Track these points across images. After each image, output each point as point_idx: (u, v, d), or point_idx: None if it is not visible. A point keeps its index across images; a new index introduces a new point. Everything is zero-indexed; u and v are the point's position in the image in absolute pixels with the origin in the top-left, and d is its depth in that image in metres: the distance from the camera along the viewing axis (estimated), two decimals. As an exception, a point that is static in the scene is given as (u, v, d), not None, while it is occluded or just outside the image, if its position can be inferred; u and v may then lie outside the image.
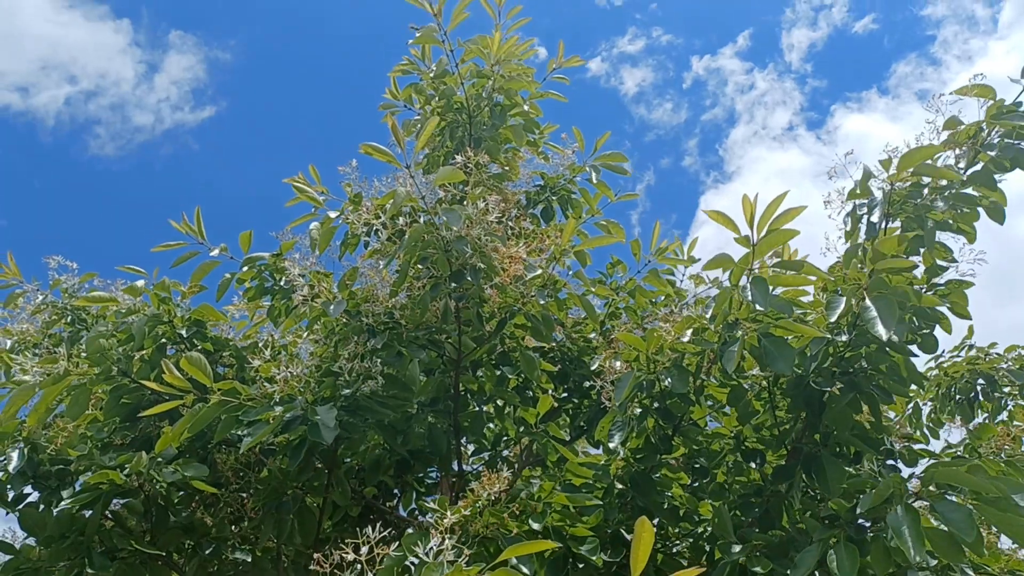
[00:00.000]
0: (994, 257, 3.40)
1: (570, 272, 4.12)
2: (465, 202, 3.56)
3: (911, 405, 5.36)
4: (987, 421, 4.91)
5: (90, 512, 3.44)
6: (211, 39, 20.01)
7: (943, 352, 5.45)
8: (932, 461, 3.32)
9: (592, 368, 4.02)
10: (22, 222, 18.97)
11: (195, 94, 19.95)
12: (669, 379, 3.15)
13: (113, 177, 19.59)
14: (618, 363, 3.51)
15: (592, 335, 4.72)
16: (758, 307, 2.81)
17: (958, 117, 3.30)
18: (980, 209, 3.36)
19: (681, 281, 5.10)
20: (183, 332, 3.92)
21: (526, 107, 4.60)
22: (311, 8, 19.35)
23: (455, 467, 4.32)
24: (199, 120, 19.84)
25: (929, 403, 5.40)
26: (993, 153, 3.23)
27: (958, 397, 5.28)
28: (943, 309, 3.43)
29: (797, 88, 21.53)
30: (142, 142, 20.04)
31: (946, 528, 2.29)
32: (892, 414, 4.07)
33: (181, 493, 3.87)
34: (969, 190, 3.33)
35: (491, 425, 4.76)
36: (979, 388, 5.16)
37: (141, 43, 19.99)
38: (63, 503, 3.35)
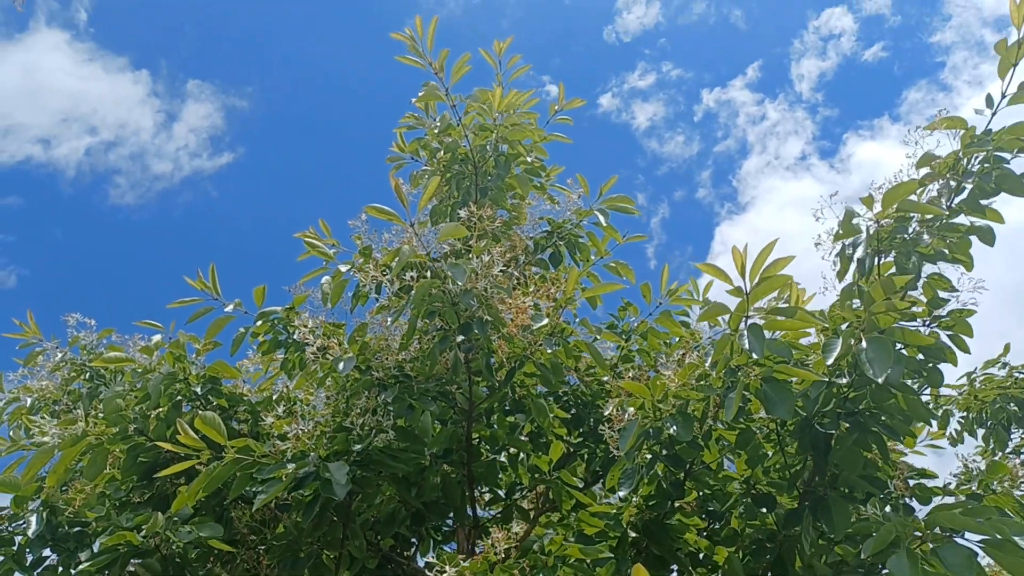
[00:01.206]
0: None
1: (577, 320, 4.16)
2: (470, 255, 3.63)
3: (940, 411, 5.29)
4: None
5: (108, 574, 3.49)
6: (228, 87, 20.46)
7: (975, 369, 5.40)
8: (941, 501, 3.31)
9: (605, 414, 4.04)
10: (45, 272, 19.32)
11: (213, 141, 20.36)
12: (674, 426, 3.17)
13: (133, 225, 19.96)
14: (630, 409, 3.53)
15: (605, 378, 4.74)
16: (754, 355, 2.84)
17: (932, 152, 3.36)
18: (972, 236, 3.39)
19: (695, 322, 5.12)
20: (198, 389, 3.99)
21: (530, 158, 4.68)
22: (326, 56, 19.77)
23: (470, 514, 4.33)
24: (217, 167, 20.22)
25: (957, 413, 5.33)
26: (972, 180, 3.27)
27: (989, 423, 5.23)
28: (946, 341, 3.44)
29: (808, 117, 21.64)
30: (161, 190, 20.43)
31: (946, 573, 2.29)
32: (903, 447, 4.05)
33: (197, 551, 3.91)
34: (960, 218, 3.37)
35: (503, 475, 4.77)
36: (1010, 412, 5.10)
37: (160, 93, 20.47)
38: (82, 565, 3.39)
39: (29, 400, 4.90)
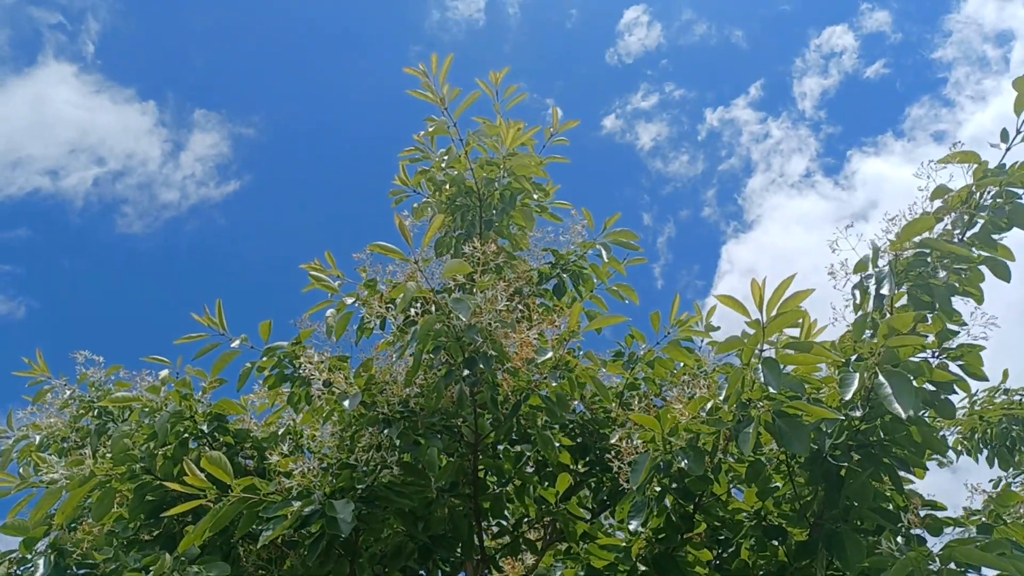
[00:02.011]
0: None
1: (581, 352, 4.14)
2: (475, 289, 3.63)
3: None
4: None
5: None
6: (235, 116, 20.61)
7: (976, 393, 5.38)
8: (955, 533, 3.28)
9: (611, 442, 4.02)
10: (53, 303, 19.40)
11: (219, 169, 20.48)
12: (685, 460, 3.14)
13: (141, 254, 20.05)
14: (636, 441, 3.51)
15: (612, 405, 4.72)
16: (771, 389, 2.82)
17: (946, 185, 3.36)
18: (985, 270, 3.38)
19: (700, 347, 5.10)
20: (204, 427, 3.99)
21: (535, 196, 4.70)
22: (333, 81, 19.93)
23: (478, 547, 4.30)
24: (224, 194, 20.33)
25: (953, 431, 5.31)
26: (985, 214, 3.27)
27: (994, 444, 5.19)
28: (957, 371, 3.42)
29: (812, 135, 21.66)
30: (168, 218, 20.54)
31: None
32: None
33: (205, 590, 3.89)
34: (971, 251, 3.36)
35: (510, 507, 4.74)
36: (1015, 434, 5.08)
37: (167, 123, 20.63)
38: (90, 608, 3.38)
39: (38, 437, 4.91)
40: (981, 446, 5.32)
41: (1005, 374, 5.13)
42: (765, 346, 2.91)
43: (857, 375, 2.93)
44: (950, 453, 5.34)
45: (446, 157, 4.61)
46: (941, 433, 4.89)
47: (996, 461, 5.27)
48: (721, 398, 3.16)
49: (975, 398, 5.30)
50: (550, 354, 3.63)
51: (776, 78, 22.01)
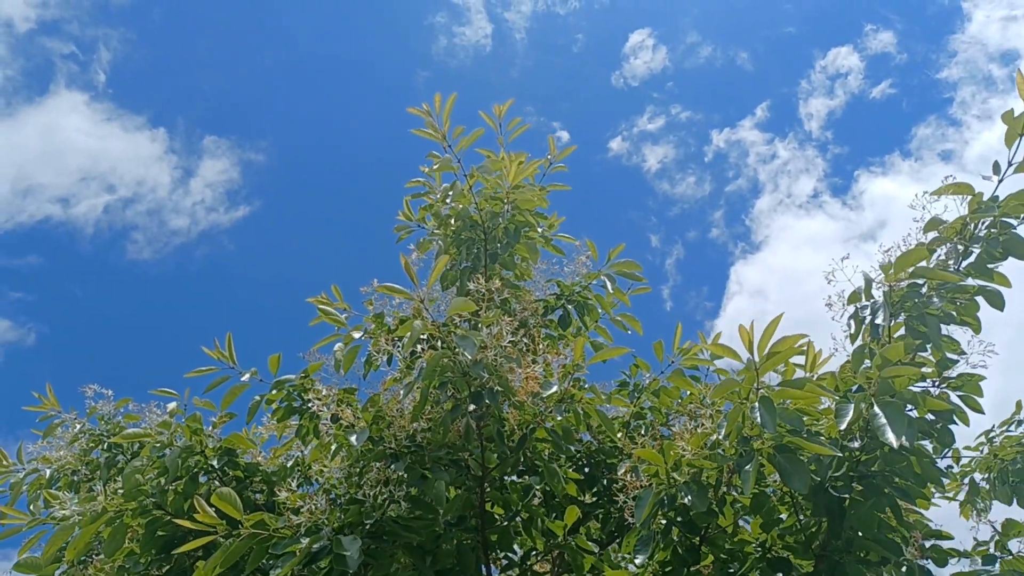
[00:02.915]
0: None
1: (585, 385, 4.18)
2: (480, 324, 3.68)
3: (967, 480, 5.24)
4: None
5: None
6: (244, 142, 20.84)
7: (993, 427, 5.35)
8: (961, 564, 3.29)
9: (618, 475, 4.05)
10: (63, 329, 19.53)
11: (229, 195, 20.67)
12: (689, 496, 3.18)
13: (151, 280, 20.21)
14: (641, 475, 3.54)
15: (619, 434, 4.74)
16: (766, 430, 2.86)
17: (939, 217, 3.41)
18: (980, 299, 3.43)
19: (707, 375, 5.13)
20: (214, 462, 4.03)
21: (540, 229, 4.77)
22: (341, 107, 20.17)
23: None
24: (233, 220, 20.50)
25: (979, 477, 5.26)
26: (980, 245, 3.32)
27: (1012, 480, 5.14)
28: (957, 401, 3.46)
29: (819, 155, 21.75)
30: (178, 244, 20.71)
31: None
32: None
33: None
34: (967, 281, 3.41)
35: (518, 540, 4.76)
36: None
37: (177, 150, 20.87)
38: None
39: (48, 471, 4.95)
40: (998, 484, 5.26)
41: (1019, 406, 5.10)
42: (761, 385, 2.96)
43: (852, 406, 2.98)
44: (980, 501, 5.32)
45: (450, 192, 4.69)
46: (950, 466, 4.92)
47: (1015, 500, 5.18)
48: (722, 434, 3.19)
49: (991, 433, 5.25)
50: (555, 388, 3.67)
51: (782, 99, 22.14)
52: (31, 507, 4.77)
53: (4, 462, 4.96)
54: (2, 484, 4.93)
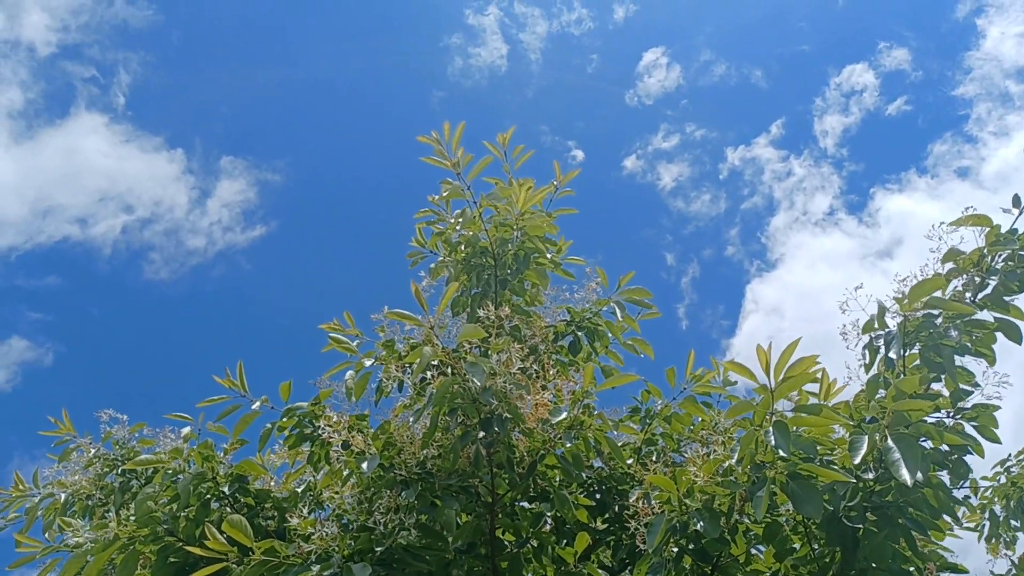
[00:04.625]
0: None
1: (595, 411, 4.17)
2: (489, 351, 3.69)
3: (987, 513, 5.17)
4: None
5: None
6: (261, 162, 21.07)
7: (1009, 455, 5.30)
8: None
9: (630, 501, 4.03)
10: (81, 349, 19.71)
11: (246, 215, 20.88)
12: (701, 523, 3.16)
13: (168, 300, 20.40)
14: (653, 502, 3.52)
15: (629, 460, 4.73)
16: (780, 452, 2.84)
17: (957, 248, 3.41)
18: (997, 332, 3.41)
19: (719, 401, 5.11)
20: (226, 489, 4.05)
21: (549, 255, 4.79)
22: (357, 127, 20.39)
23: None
24: (250, 240, 20.69)
25: (999, 508, 5.19)
26: (997, 277, 3.31)
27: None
28: (972, 432, 3.43)
29: (835, 172, 21.71)
30: (195, 265, 20.91)
31: None
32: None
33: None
34: (983, 313, 3.40)
35: (528, 567, 4.73)
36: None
37: (194, 170, 21.13)
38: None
39: (63, 495, 4.98)
40: (1018, 512, 5.20)
41: (1036, 436, 5.05)
42: (777, 407, 2.95)
43: (866, 438, 2.95)
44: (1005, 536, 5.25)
45: (461, 219, 4.72)
46: (967, 496, 4.87)
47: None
48: (734, 460, 3.18)
49: (1008, 463, 5.20)
50: (564, 414, 3.67)
51: (797, 116, 22.17)
52: (46, 533, 4.81)
53: (21, 486, 5.00)
54: (18, 509, 4.97)
